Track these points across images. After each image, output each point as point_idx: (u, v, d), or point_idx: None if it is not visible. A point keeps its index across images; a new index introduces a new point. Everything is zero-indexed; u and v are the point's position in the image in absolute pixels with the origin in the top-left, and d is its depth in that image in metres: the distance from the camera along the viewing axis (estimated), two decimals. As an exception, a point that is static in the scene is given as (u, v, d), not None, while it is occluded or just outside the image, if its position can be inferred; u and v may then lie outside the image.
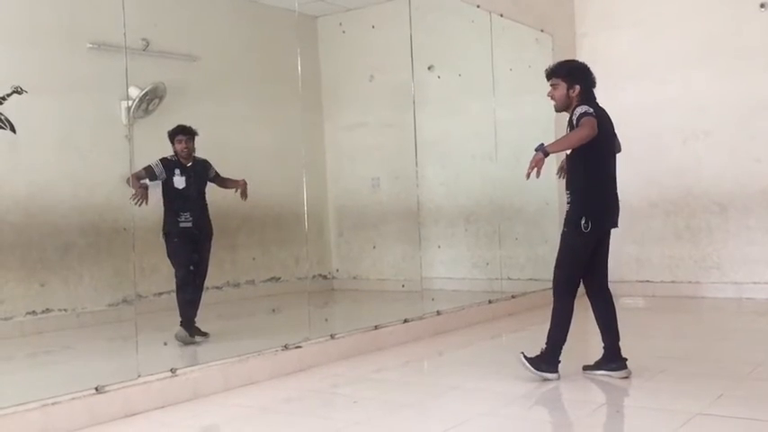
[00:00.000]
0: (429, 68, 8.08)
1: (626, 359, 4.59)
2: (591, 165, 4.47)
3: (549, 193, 8.19)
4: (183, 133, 5.77)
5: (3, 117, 6.15)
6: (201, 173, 5.89)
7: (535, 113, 8.30)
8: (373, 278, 9.04)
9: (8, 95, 6.14)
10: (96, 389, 4.00)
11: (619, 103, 8.36)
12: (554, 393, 4.44)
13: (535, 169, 4.24)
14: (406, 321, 6.14)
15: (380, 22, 8.66)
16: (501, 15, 7.69)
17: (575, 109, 4.44)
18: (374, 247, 9.04)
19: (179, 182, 5.74)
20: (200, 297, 5.77)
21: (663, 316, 7.31)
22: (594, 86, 4.61)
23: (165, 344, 5.52)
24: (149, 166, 5.71)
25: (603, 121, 4.45)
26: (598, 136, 4.31)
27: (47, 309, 6.51)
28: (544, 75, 4.64)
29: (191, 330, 5.65)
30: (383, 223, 8.95)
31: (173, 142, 5.79)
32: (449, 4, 7.34)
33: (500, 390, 4.50)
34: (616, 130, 4.67)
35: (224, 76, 7.83)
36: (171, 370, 4.39)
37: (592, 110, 4.36)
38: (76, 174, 6.77)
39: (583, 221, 4.43)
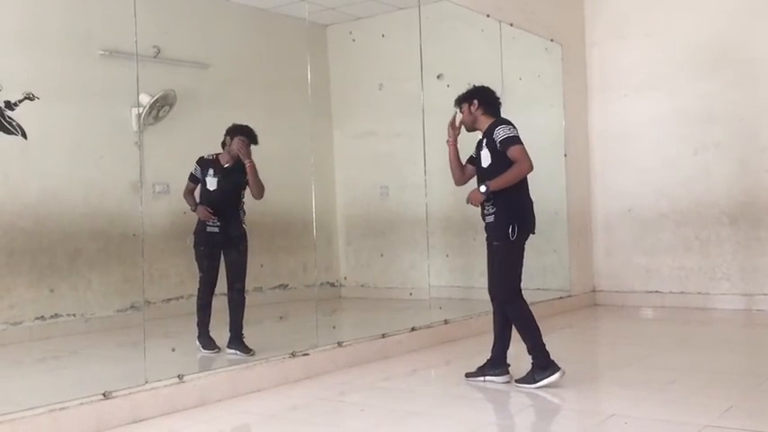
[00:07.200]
0: (438, 77, 8.08)
1: (509, 365, 4.75)
2: None
3: (559, 204, 8.17)
4: (248, 136, 5.47)
5: (14, 123, 6.19)
6: (239, 175, 5.49)
7: (545, 122, 8.33)
8: (381, 286, 9.03)
9: (20, 101, 6.19)
10: (104, 394, 4.01)
11: (628, 113, 8.48)
12: (562, 403, 4.43)
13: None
14: (413, 330, 6.14)
15: (390, 31, 8.68)
16: (511, 25, 7.70)
17: (494, 129, 4.61)
18: (382, 256, 9.04)
19: (210, 183, 5.46)
20: (243, 303, 5.50)
21: (672, 327, 7.27)
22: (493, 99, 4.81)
23: (173, 350, 5.52)
24: (191, 173, 5.54)
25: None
26: None
27: (56, 314, 6.53)
28: (455, 105, 4.93)
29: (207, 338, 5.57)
30: (391, 231, 8.95)
31: (231, 137, 5.46)
32: (458, 14, 7.34)
33: (508, 399, 4.49)
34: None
35: (234, 83, 7.85)
36: (178, 376, 4.39)
37: (516, 132, 4.58)
38: (87, 180, 6.81)
39: (510, 229, 4.60)
